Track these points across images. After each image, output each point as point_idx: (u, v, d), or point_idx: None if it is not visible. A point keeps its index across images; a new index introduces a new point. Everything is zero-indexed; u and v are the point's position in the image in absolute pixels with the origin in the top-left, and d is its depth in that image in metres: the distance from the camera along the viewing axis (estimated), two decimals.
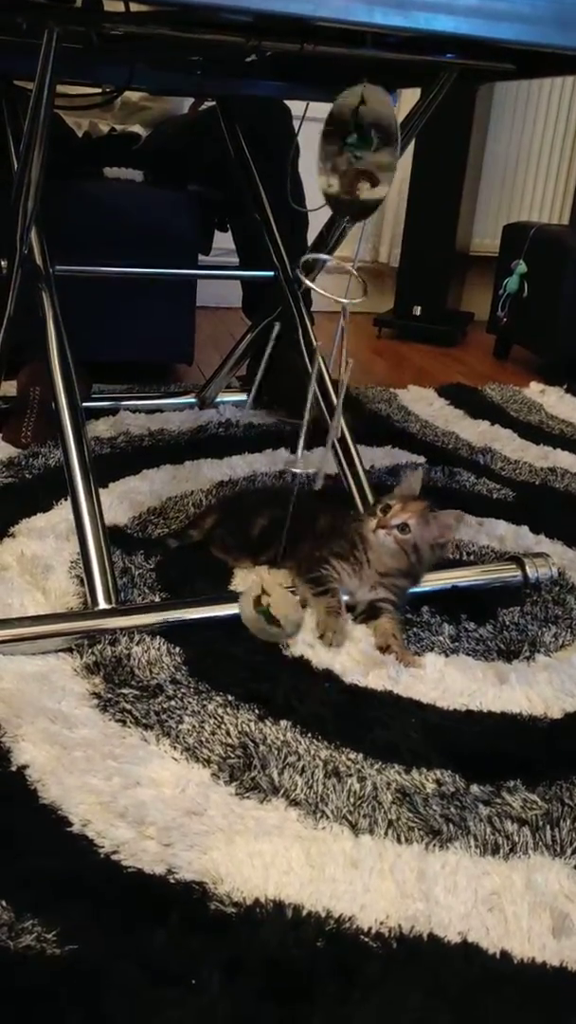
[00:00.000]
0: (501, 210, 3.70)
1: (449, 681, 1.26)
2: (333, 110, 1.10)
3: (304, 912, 0.88)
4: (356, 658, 1.30)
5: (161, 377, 2.62)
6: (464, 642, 1.37)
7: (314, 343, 1.76)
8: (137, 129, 2.60)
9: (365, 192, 1.11)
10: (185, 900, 0.89)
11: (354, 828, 1.00)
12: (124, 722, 1.13)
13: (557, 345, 3.05)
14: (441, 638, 1.37)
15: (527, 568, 1.54)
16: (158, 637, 1.29)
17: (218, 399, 2.37)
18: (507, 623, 1.43)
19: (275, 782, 1.05)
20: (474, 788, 1.06)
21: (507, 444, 2.30)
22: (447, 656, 1.33)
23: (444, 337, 3.48)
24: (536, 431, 2.43)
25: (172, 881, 0.90)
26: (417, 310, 3.54)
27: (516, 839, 1.00)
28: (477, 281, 3.82)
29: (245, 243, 2.46)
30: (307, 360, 1.72)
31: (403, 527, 1.36)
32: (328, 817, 1.01)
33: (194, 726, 1.13)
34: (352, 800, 1.03)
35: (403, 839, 0.99)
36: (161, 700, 1.17)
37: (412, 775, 1.08)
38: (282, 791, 1.04)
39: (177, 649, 1.28)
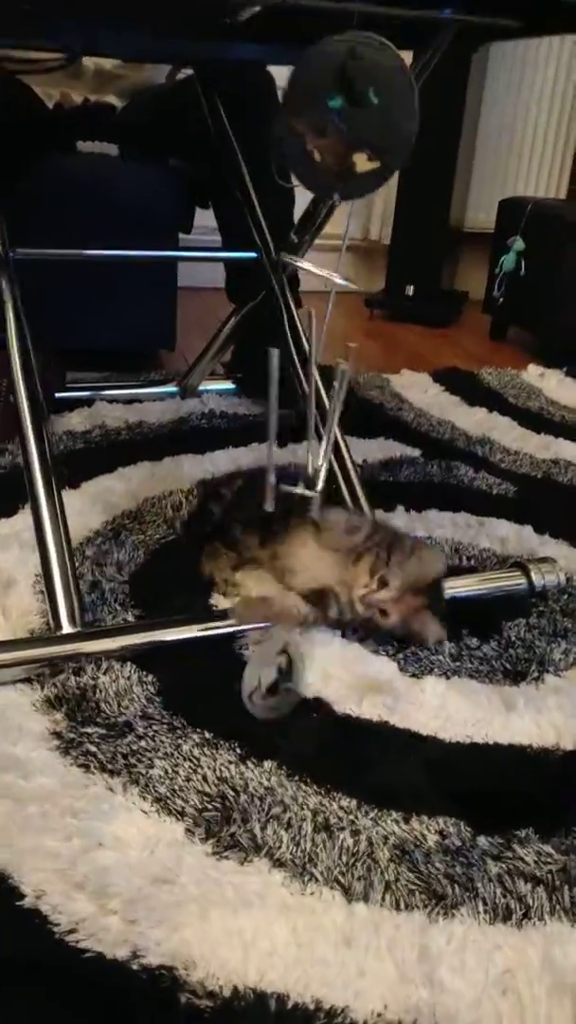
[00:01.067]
0: (497, 184, 3.54)
1: (451, 708, 1.14)
2: (305, 66, 0.96)
3: (290, 1003, 0.77)
4: (349, 683, 1.18)
5: (141, 364, 2.48)
6: (466, 662, 1.25)
7: (300, 330, 1.63)
8: (112, 100, 2.44)
9: (362, 165, 0.97)
10: (151, 992, 0.77)
11: (347, 893, 0.88)
12: (88, 767, 1.01)
13: (556, 326, 2.91)
14: (441, 657, 1.25)
15: (532, 575, 1.41)
16: (128, 664, 1.17)
17: (201, 387, 2.23)
18: (512, 639, 1.31)
19: (257, 839, 0.93)
20: (481, 840, 0.95)
21: (506, 433, 2.17)
22: (448, 678, 1.21)
23: (438, 318, 3.34)
24: (536, 419, 2.30)
25: (137, 968, 0.78)
26: (410, 290, 3.40)
27: (530, 902, 0.88)
28: (472, 259, 3.67)
29: (228, 221, 2.32)
30: (291, 348, 1.59)
31: (382, 613, 1.23)
32: (317, 880, 0.89)
33: (166, 771, 1.01)
34: (345, 859, 0.91)
35: (403, 905, 0.87)
36: (130, 740, 1.05)
37: (412, 825, 0.96)
38: (265, 849, 0.91)
39: (150, 677, 1.16)
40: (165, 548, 1.48)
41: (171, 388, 2.23)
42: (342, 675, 1.19)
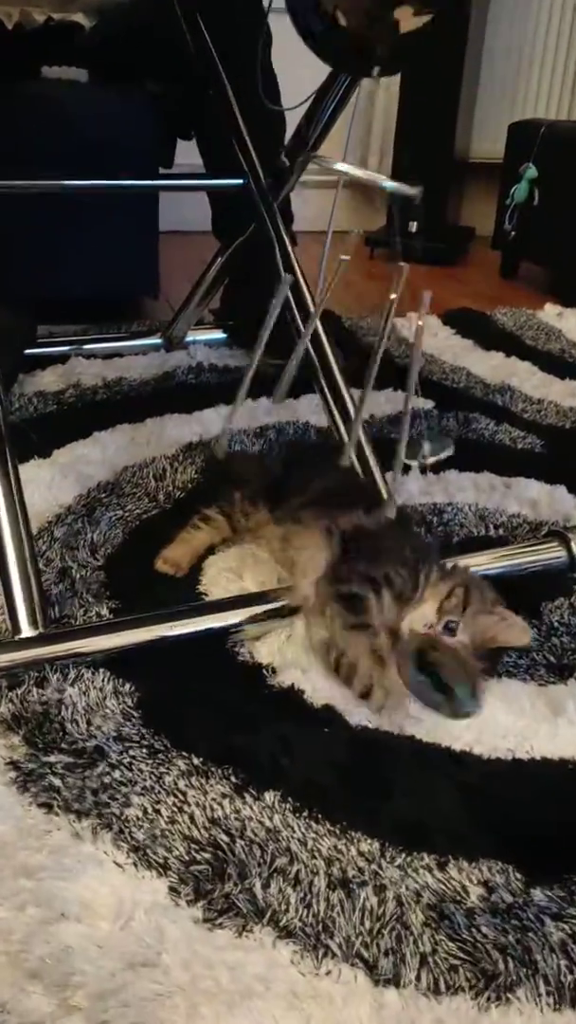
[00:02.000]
0: (505, 109, 3.28)
1: (487, 716, 0.96)
2: None
3: None
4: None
5: (123, 315, 2.26)
6: (502, 656, 1.06)
7: (295, 265, 1.42)
8: (79, 19, 2.18)
9: (408, 21, 0.74)
10: None
11: (373, 971, 0.69)
12: (50, 807, 0.82)
13: (574, 259, 2.68)
14: None
15: (573, 545, 1.22)
16: (102, 671, 0.98)
17: (188, 338, 2.02)
18: (554, 624, 1.12)
19: (258, 900, 0.74)
20: (536, 893, 0.76)
21: (527, 380, 1.96)
22: (498, 672, 1.02)
23: (444, 256, 3.10)
24: (558, 362, 2.08)
25: None
26: (413, 226, 3.16)
27: None
28: (479, 192, 3.42)
29: (212, 151, 2.09)
30: (286, 287, 1.38)
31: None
32: (335, 955, 0.71)
33: (146, 810, 0.82)
34: (368, 925, 0.73)
35: (444, 987, 0.69)
36: (102, 771, 0.86)
37: (449, 874, 0.78)
38: (268, 914, 0.73)
39: (127, 686, 0.97)
40: (147, 525, 1.29)
41: (155, 340, 2.02)
42: None
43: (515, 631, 1.00)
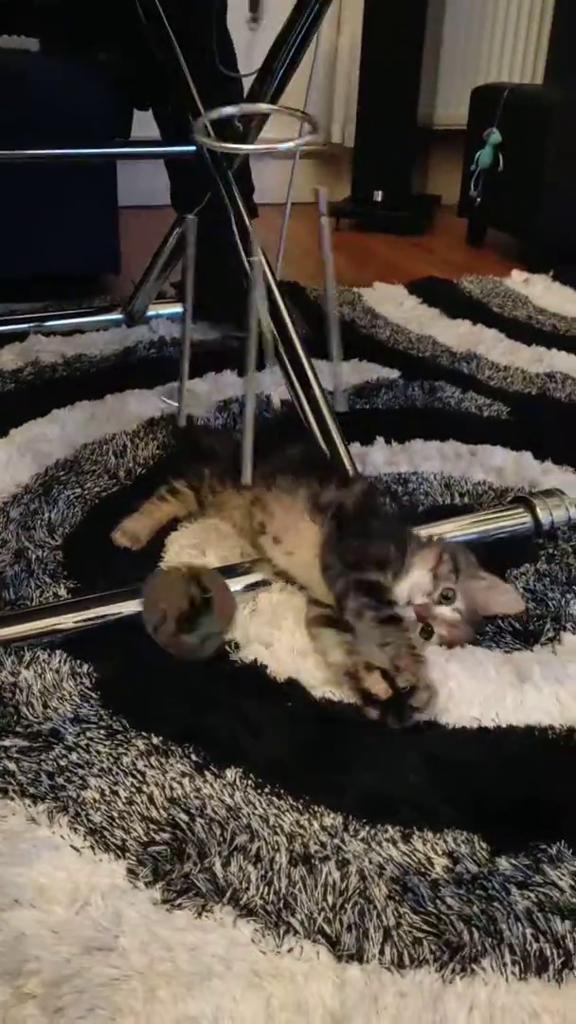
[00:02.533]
0: (468, 74, 3.23)
1: (453, 685, 0.94)
2: None
3: None
4: (327, 661, 0.98)
5: (85, 291, 2.22)
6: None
7: (252, 236, 1.38)
8: None
9: None
10: None
11: (335, 948, 0.68)
12: (5, 792, 0.80)
13: (539, 225, 2.66)
14: None
15: (538, 511, 1.20)
16: (59, 652, 0.96)
17: (149, 312, 1.98)
18: (520, 590, 1.10)
19: (218, 879, 0.73)
20: (502, 862, 0.75)
21: (493, 347, 1.94)
22: (447, 646, 1.01)
23: (410, 224, 3.06)
24: (525, 329, 2.07)
25: None
26: (378, 195, 3.12)
27: (571, 945, 0.69)
28: (444, 159, 3.37)
29: (169, 122, 2.04)
30: (243, 258, 1.35)
31: (429, 631, 0.98)
32: (297, 932, 0.69)
33: (103, 792, 0.80)
34: (331, 900, 0.71)
35: (408, 960, 0.67)
36: (58, 753, 0.84)
37: (414, 845, 0.76)
38: (229, 893, 0.72)
39: (85, 668, 0.95)
40: (106, 503, 1.26)
41: (116, 316, 1.98)
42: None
43: (508, 598, 0.99)
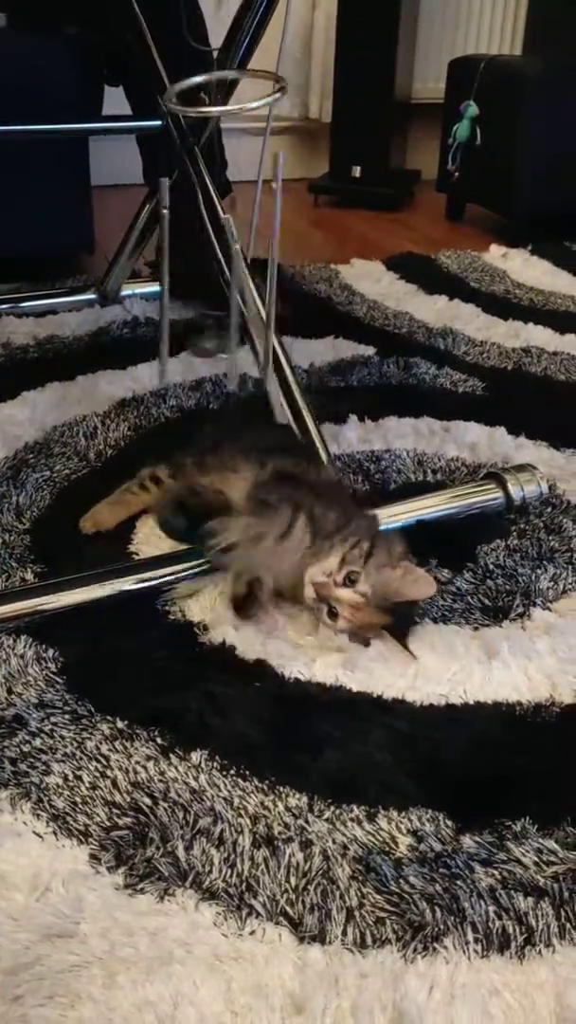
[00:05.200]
0: (445, 46, 3.19)
1: (422, 662, 0.94)
2: None
3: None
4: (296, 641, 0.97)
5: (59, 272, 2.19)
6: (438, 599, 1.04)
7: (220, 210, 1.36)
8: None
9: None
10: None
11: (297, 929, 0.68)
12: None
13: (517, 199, 2.63)
14: None
15: (510, 486, 1.20)
16: (24, 637, 0.95)
17: (124, 292, 1.96)
18: (490, 567, 1.10)
19: (181, 863, 0.72)
20: (466, 840, 0.75)
21: (470, 322, 1.92)
22: (416, 622, 1.00)
23: (389, 200, 3.04)
24: (502, 304, 2.05)
25: None
26: (356, 171, 3.09)
27: (533, 922, 0.69)
28: (422, 133, 3.34)
29: (140, 98, 2.01)
30: (210, 234, 1.33)
31: (332, 612, 0.97)
32: (259, 915, 0.69)
33: (66, 778, 0.80)
34: (294, 882, 0.71)
35: (370, 941, 0.67)
36: (21, 739, 0.83)
37: (378, 825, 0.76)
38: (191, 876, 0.71)
39: (51, 652, 0.94)
40: (76, 486, 1.25)
41: (89, 296, 1.96)
42: (288, 630, 0.98)
43: (419, 585, 0.97)
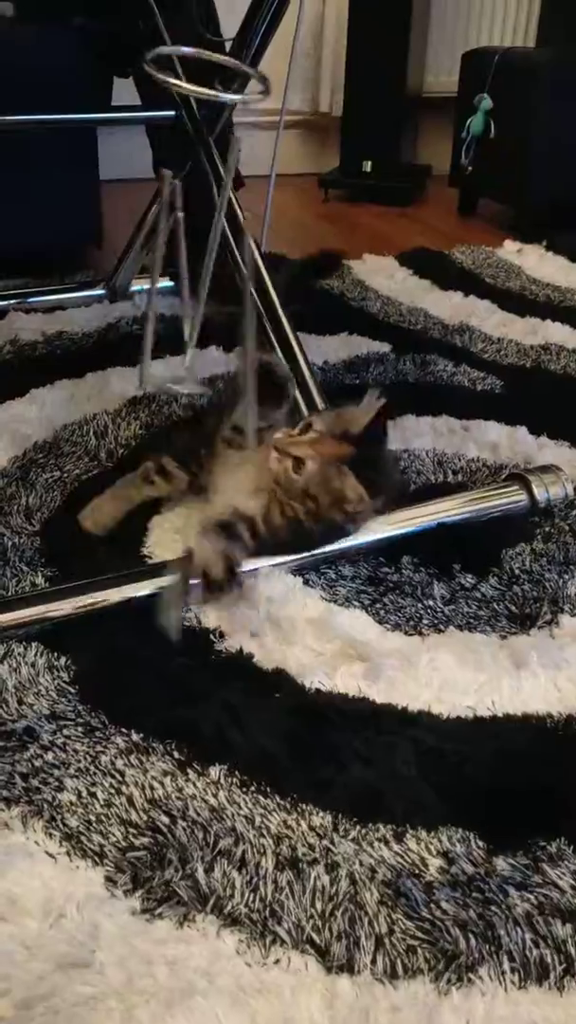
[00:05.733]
0: (458, 39, 3.15)
1: (446, 672, 0.90)
2: None
3: None
4: (316, 647, 0.94)
5: (67, 267, 2.16)
6: (462, 606, 1.01)
7: (237, 206, 1.33)
8: None
9: None
10: None
11: (324, 958, 0.64)
12: None
13: (532, 194, 2.60)
14: (431, 603, 1.01)
15: (534, 488, 1.16)
16: (35, 645, 0.91)
17: (133, 287, 1.93)
18: (516, 572, 1.06)
19: (201, 886, 0.69)
20: (500, 862, 0.71)
21: (487, 319, 1.89)
22: (440, 631, 0.97)
23: (400, 195, 3.00)
24: (519, 300, 2.02)
25: None
26: (367, 166, 3.06)
27: (573, 950, 0.65)
28: (434, 127, 3.30)
29: (149, 89, 1.97)
30: (225, 226, 1.29)
31: (297, 464, 0.98)
32: (284, 942, 0.65)
33: (80, 794, 0.76)
34: (320, 907, 0.68)
35: (401, 971, 0.64)
36: (33, 753, 0.80)
37: (407, 845, 0.73)
38: (212, 901, 0.68)
39: (63, 660, 0.90)
40: (87, 486, 1.21)
41: (98, 291, 1.93)
42: (307, 636, 0.95)
43: (367, 403, 1.02)
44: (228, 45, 1.56)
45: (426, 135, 3.36)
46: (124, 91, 2.06)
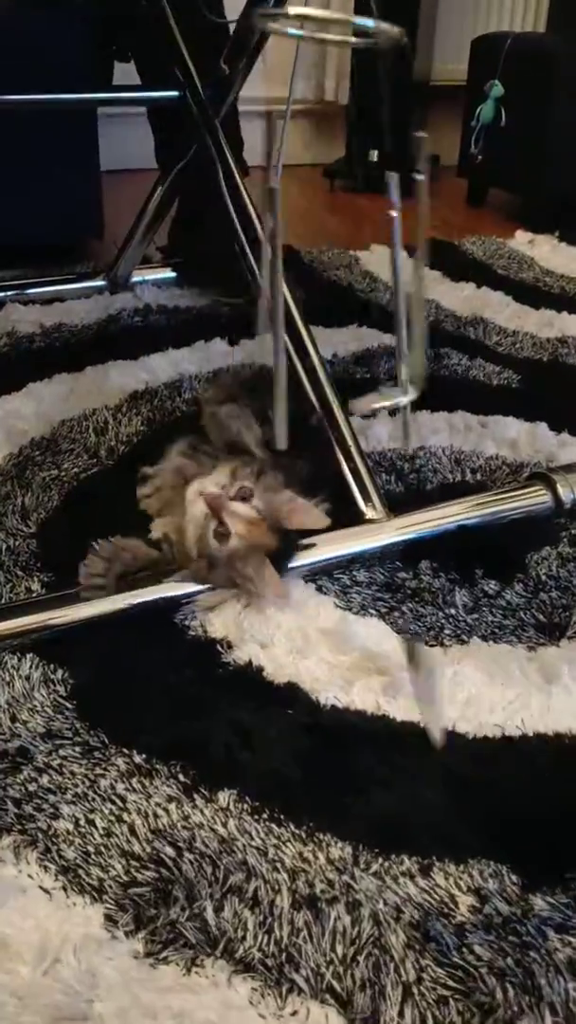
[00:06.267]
0: (467, 25, 3.08)
1: (471, 688, 0.84)
2: None
3: None
4: (331, 659, 0.88)
5: (67, 258, 2.10)
6: (485, 614, 0.95)
7: (242, 188, 1.26)
8: None
9: None
10: None
11: (346, 1010, 0.58)
12: None
13: (544, 183, 2.53)
14: (453, 612, 0.94)
15: (559, 487, 1.10)
16: (29, 656, 0.85)
17: (134, 278, 1.86)
18: (542, 577, 1.00)
19: (210, 927, 0.63)
20: (536, 901, 0.65)
21: (500, 311, 1.82)
22: (463, 642, 0.91)
23: (408, 185, 2.93)
24: (533, 292, 1.95)
25: None
26: (374, 156, 2.99)
27: None
28: (441, 116, 3.22)
29: (152, 72, 1.91)
30: (232, 211, 1.23)
31: (222, 533, 0.90)
32: (302, 991, 0.59)
33: (78, 822, 0.70)
34: (340, 951, 0.62)
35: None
36: (27, 776, 0.74)
37: (434, 880, 0.66)
38: (222, 944, 0.62)
39: (60, 673, 0.84)
40: (86, 485, 1.16)
41: (98, 282, 1.86)
42: (322, 648, 0.88)
43: (311, 515, 0.94)
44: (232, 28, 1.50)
45: (434, 123, 3.27)
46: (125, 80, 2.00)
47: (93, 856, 0.67)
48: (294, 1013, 0.58)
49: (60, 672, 0.84)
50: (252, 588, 0.91)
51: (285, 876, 0.66)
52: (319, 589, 0.97)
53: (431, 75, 3.20)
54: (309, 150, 3.24)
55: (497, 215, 2.72)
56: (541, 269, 2.11)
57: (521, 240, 2.33)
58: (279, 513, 0.93)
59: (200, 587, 0.93)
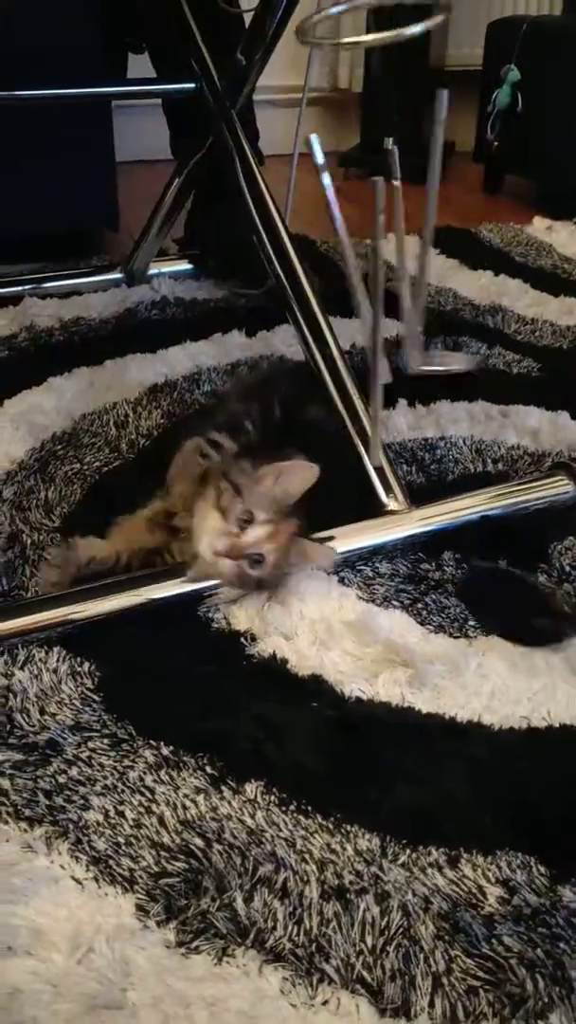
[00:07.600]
0: (482, 9, 3.05)
1: (496, 679, 0.84)
2: None
3: None
4: (355, 651, 0.88)
5: (83, 250, 2.10)
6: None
7: (259, 179, 1.26)
8: None
9: None
10: None
11: (377, 1000, 0.59)
12: None
13: (561, 168, 2.50)
14: None
15: None
16: (56, 649, 0.86)
17: (151, 271, 1.86)
18: (566, 568, 1.00)
19: (240, 917, 0.63)
20: (566, 892, 0.66)
21: (519, 299, 1.81)
22: (487, 635, 0.91)
23: (422, 172, 2.91)
24: (551, 279, 1.94)
25: None
26: (388, 143, 2.96)
27: None
28: (458, 103, 3.19)
29: (165, 63, 1.90)
30: (248, 202, 1.23)
31: (256, 560, 0.89)
32: (332, 981, 0.60)
33: (108, 813, 0.71)
34: (370, 941, 0.62)
35: (463, 1016, 0.58)
36: (56, 768, 0.75)
37: (462, 871, 0.67)
38: (253, 933, 0.62)
39: (86, 666, 0.85)
40: (107, 479, 1.16)
41: (115, 275, 1.86)
42: (345, 640, 0.89)
43: (299, 468, 0.91)
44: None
45: (449, 110, 3.26)
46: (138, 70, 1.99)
47: (123, 847, 0.68)
48: (325, 1003, 0.59)
49: (87, 665, 0.85)
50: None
51: (314, 867, 0.67)
52: (342, 581, 0.97)
53: (446, 60, 3.17)
54: (323, 137, 3.22)
55: (514, 202, 2.70)
56: (560, 256, 2.10)
57: (539, 227, 2.31)
58: (276, 493, 0.90)
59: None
